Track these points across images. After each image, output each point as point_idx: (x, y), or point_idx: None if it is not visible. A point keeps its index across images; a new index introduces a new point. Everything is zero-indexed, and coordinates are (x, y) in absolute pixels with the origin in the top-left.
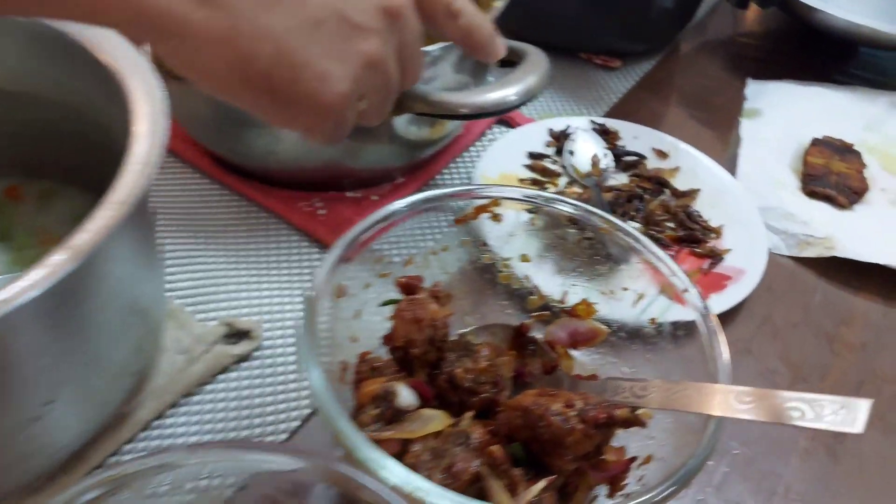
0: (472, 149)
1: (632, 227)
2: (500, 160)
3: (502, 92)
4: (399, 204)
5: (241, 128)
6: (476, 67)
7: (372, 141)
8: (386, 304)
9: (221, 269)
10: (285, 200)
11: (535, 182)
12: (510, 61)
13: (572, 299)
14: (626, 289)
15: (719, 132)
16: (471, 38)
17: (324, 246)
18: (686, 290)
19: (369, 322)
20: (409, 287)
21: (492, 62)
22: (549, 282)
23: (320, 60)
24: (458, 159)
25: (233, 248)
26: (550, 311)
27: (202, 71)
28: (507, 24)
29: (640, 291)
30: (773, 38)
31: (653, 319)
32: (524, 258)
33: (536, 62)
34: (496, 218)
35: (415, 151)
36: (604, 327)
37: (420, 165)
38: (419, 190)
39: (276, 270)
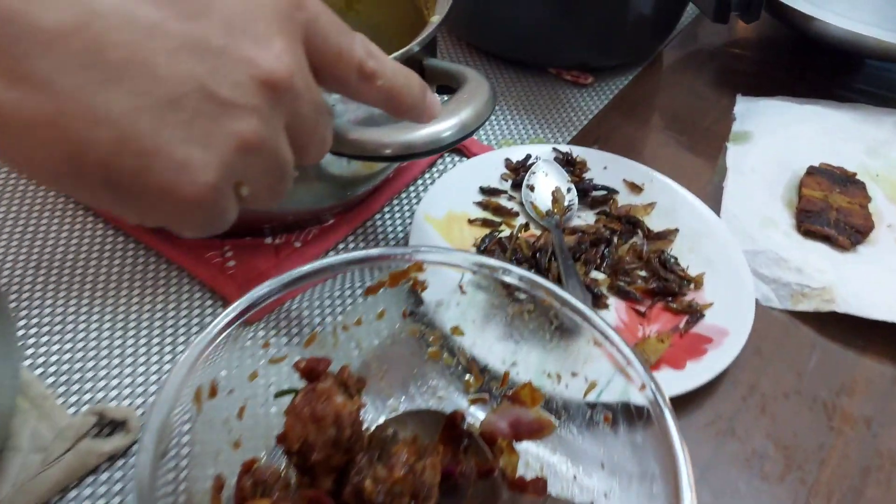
0: (419, 181)
1: (580, 299)
2: (447, 197)
3: (433, 128)
4: (297, 272)
5: None
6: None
7: (296, 182)
8: (280, 394)
9: (105, 337)
10: (191, 250)
11: (485, 223)
12: (448, 87)
13: (516, 379)
14: (575, 374)
15: (704, 159)
16: (394, 101)
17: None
18: (643, 387)
19: (259, 419)
20: (311, 373)
21: (425, 122)
22: (488, 359)
23: (177, 146)
24: (402, 194)
25: (122, 311)
26: (489, 395)
27: (26, 162)
28: (470, 38)
29: (591, 378)
30: (769, 48)
31: (606, 416)
32: (456, 331)
33: (475, 91)
34: (419, 285)
35: (346, 190)
36: (551, 419)
37: (354, 204)
38: (352, 232)
39: (171, 338)
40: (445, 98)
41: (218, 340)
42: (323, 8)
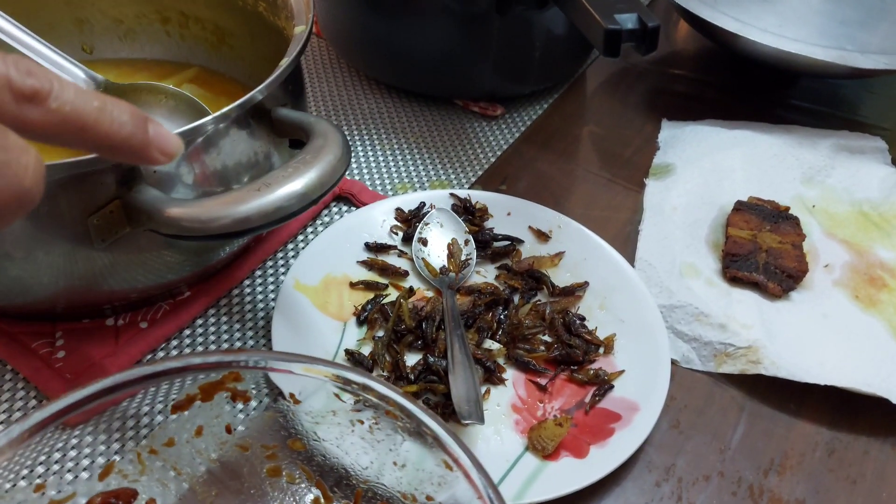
0: (299, 237)
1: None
2: (326, 257)
3: (269, 197)
4: (75, 395)
5: None
6: (269, 131)
7: (134, 251)
8: None
9: None
10: (15, 338)
11: (369, 286)
12: (299, 140)
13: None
14: (430, 498)
15: (623, 196)
16: (90, 134)
17: None
18: None
19: None
20: None
21: (155, 165)
22: (337, 475)
23: None
24: (278, 254)
25: None
26: None
27: None
28: (370, 71)
29: None
30: (705, 64)
31: None
32: (295, 444)
33: (322, 149)
34: (240, 397)
35: (202, 257)
36: None
37: (216, 271)
38: (214, 305)
39: None
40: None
41: None
42: None
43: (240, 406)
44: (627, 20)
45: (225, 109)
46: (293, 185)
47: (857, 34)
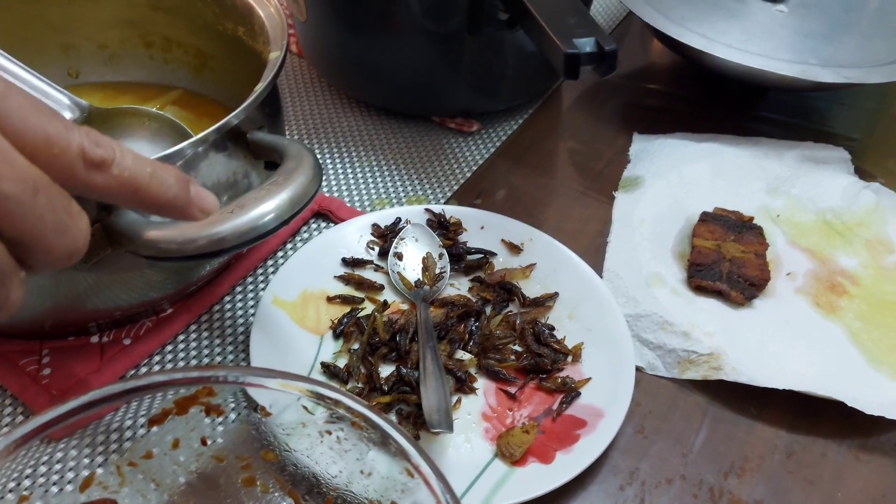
0: (279, 253)
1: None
2: (304, 273)
3: (244, 218)
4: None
5: None
6: (245, 153)
7: (117, 271)
8: None
9: None
10: (3, 356)
11: (345, 300)
12: (273, 162)
13: None
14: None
15: (595, 209)
16: (143, 195)
17: None
18: None
19: None
20: None
21: (196, 220)
22: (307, 484)
23: None
24: (258, 271)
25: None
26: None
27: None
28: (348, 90)
29: None
30: (678, 78)
31: None
32: (268, 455)
33: (293, 171)
34: (214, 410)
35: (183, 275)
36: None
37: (198, 288)
38: (196, 321)
39: None
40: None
41: None
42: (16, 89)
43: (214, 419)
44: (586, 44)
45: (202, 134)
46: (265, 205)
47: (822, 48)
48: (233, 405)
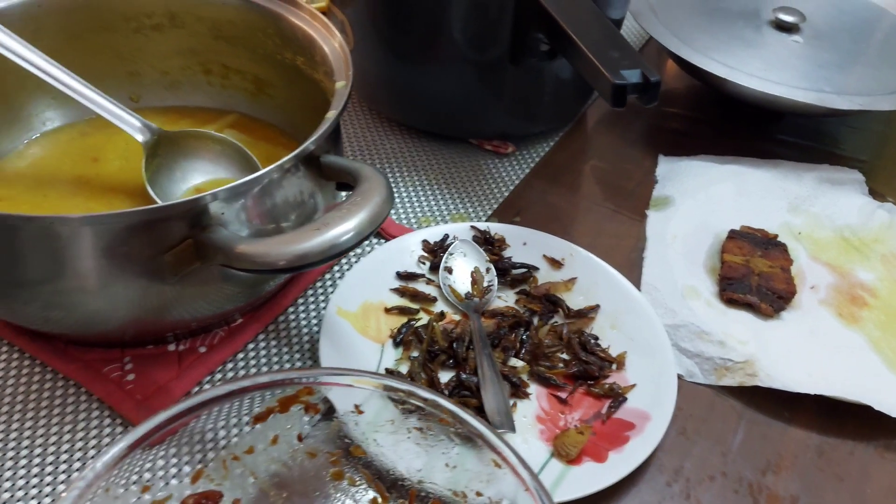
0: (335, 268)
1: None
2: (363, 286)
3: (326, 236)
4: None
5: (10, 289)
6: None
7: (197, 284)
8: None
9: None
10: (88, 364)
11: (402, 311)
12: (348, 184)
13: (424, 497)
14: (479, 494)
15: (629, 225)
16: None
17: (132, 426)
18: None
19: None
20: None
21: None
22: (393, 477)
23: None
24: (317, 284)
25: (14, 435)
26: None
27: None
28: (389, 113)
29: (495, 499)
30: (696, 102)
31: None
32: (357, 450)
33: (370, 192)
34: (312, 408)
35: (255, 288)
36: None
37: (264, 301)
38: (263, 331)
39: (65, 464)
40: (344, 196)
41: (97, 485)
42: None
43: (312, 416)
44: (632, 75)
45: (285, 158)
46: (346, 224)
47: (834, 76)
48: (328, 404)
